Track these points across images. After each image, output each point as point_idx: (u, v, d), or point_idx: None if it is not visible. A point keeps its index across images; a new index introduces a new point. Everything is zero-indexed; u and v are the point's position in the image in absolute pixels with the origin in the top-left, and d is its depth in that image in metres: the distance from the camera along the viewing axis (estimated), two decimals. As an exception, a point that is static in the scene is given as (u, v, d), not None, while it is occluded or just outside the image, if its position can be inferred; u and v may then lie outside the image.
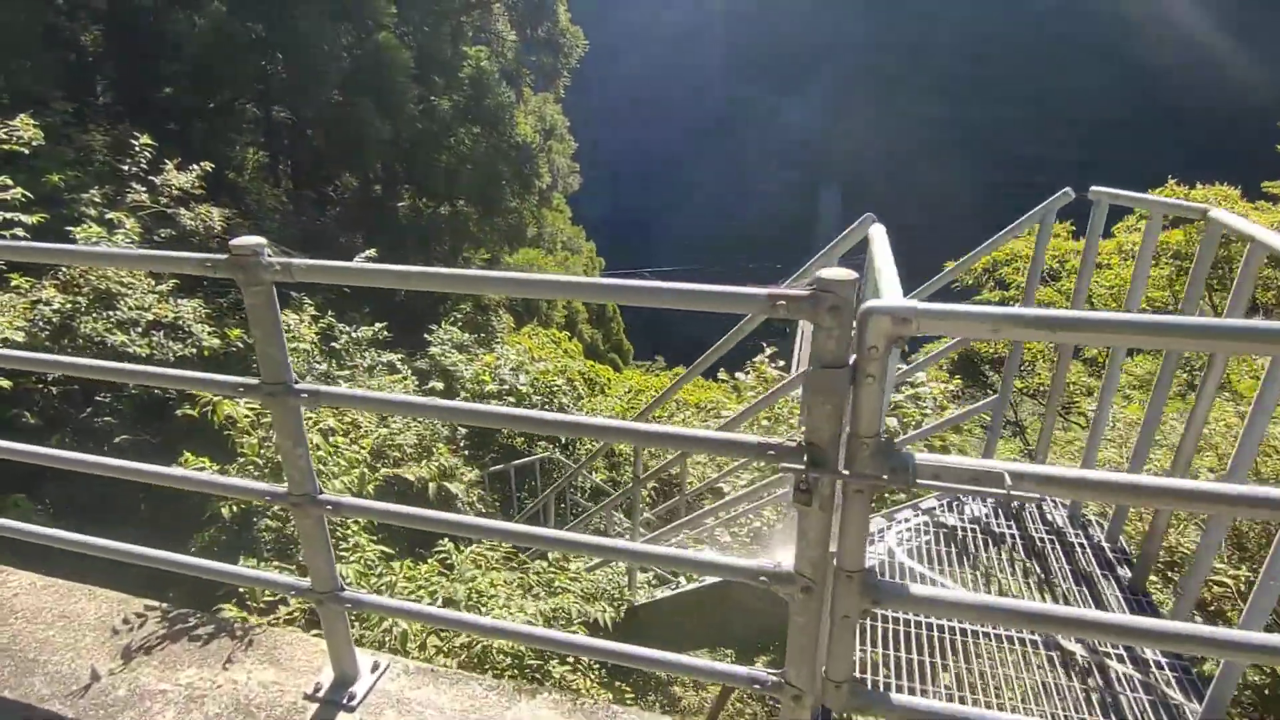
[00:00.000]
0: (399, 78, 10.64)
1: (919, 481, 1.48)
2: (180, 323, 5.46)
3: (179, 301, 5.62)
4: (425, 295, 10.80)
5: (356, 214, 11.93)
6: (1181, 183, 13.00)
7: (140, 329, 5.24)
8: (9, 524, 2.46)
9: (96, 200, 6.01)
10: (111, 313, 5.10)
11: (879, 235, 2.14)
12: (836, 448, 1.53)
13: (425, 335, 9.49)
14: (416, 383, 8.56)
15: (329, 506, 1.97)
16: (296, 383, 1.86)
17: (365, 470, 3.56)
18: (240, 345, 5.73)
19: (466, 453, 8.24)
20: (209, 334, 5.56)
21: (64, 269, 5.10)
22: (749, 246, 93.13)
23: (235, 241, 1.76)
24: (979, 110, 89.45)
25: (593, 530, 6.91)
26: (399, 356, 8.45)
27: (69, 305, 4.95)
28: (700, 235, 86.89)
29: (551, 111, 18.25)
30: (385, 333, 8.10)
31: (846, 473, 1.49)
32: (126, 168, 6.26)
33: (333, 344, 7.17)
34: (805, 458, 1.51)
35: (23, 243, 2.05)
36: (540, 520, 8.54)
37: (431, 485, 6.96)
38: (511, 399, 9.05)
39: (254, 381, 1.88)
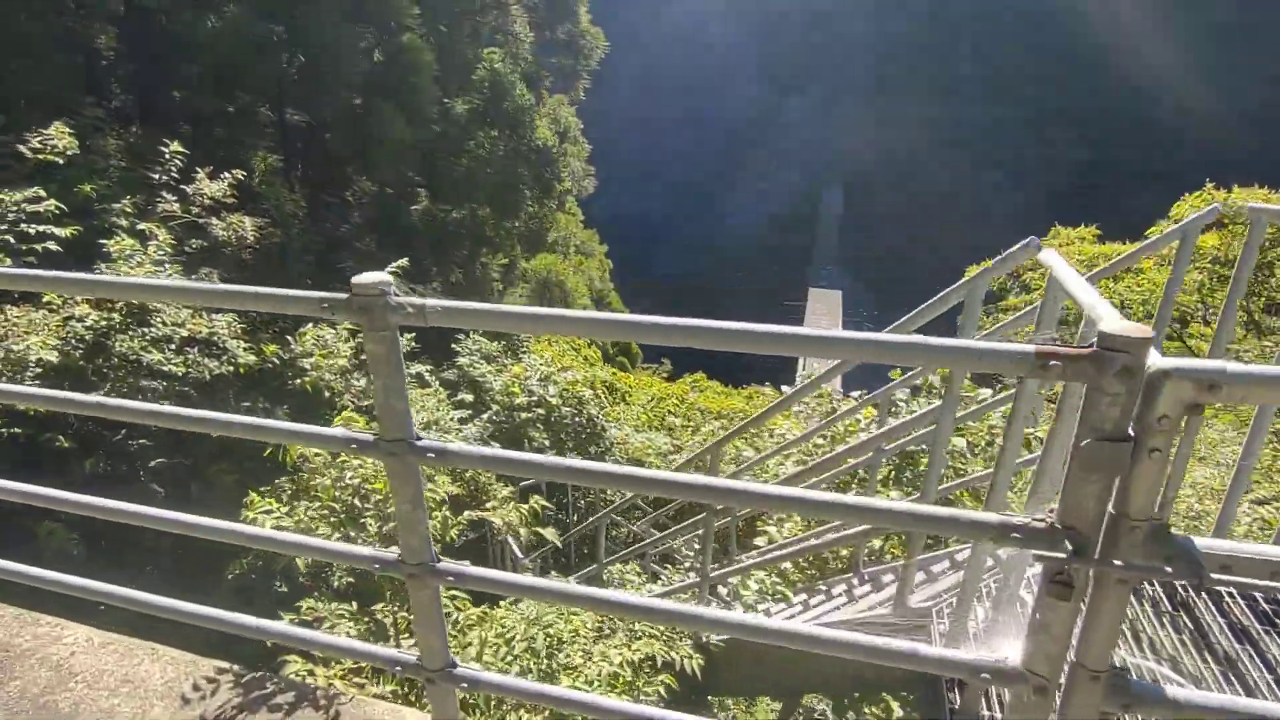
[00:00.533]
0: (422, 81, 10.36)
1: (1211, 576, 1.25)
2: (215, 338, 5.22)
3: (213, 316, 5.38)
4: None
5: (371, 219, 11.64)
6: (1219, 186, 12.73)
7: (174, 345, 5.00)
8: (63, 579, 2.22)
9: (128, 210, 5.75)
10: (146, 329, 4.87)
11: (1059, 263, 1.89)
12: (1098, 531, 1.29)
13: (452, 345, 9.25)
14: (446, 394, 8.32)
15: (450, 577, 1.73)
16: (420, 439, 1.62)
17: (447, 514, 3.31)
18: (276, 362, 5.50)
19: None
20: (245, 349, 5.32)
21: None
22: (750, 247, 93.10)
23: (358, 280, 1.52)
24: (980, 110, 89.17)
25: (638, 559, 6.66)
26: (427, 368, 8.21)
27: (102, 322, 4.72)
28: (699, 235, 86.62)
29: (566, 114, 17.97)
30: (414, 343, 7.86)
31: (1119, 563, 1.26)
32: (157, 176, 6.01)
33: (363, 358, 6.92)
34: (1067, 545, 1.27)
35: (119, 278, 1.80)
36: (584, 548, 8.28)
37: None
38: (541, 411, 8.81)
39: (369, 437, 1.63)
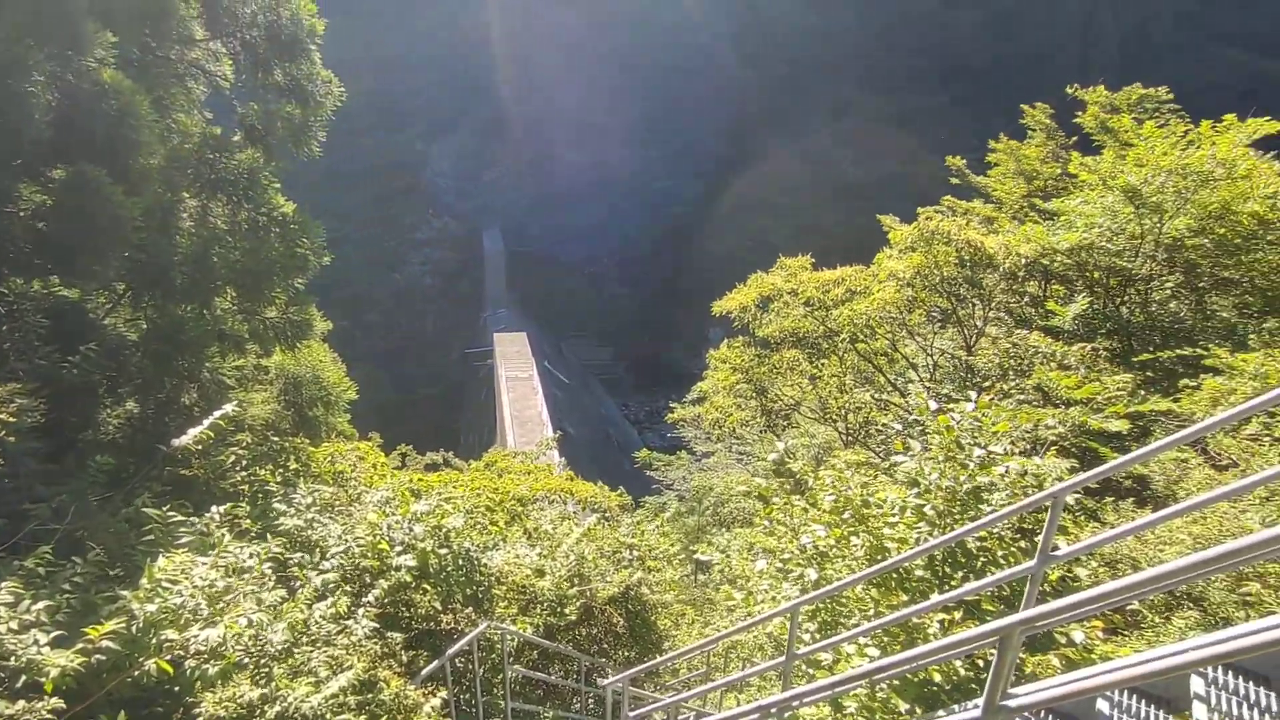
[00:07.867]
0: (141, 135, 6.92)
1: None
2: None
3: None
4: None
5: (45, 334, 7.36)
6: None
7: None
8: None
9: None
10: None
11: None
12: None
13: (276, 504, 6.44)
14: (269, 569, 5.69)
15: None
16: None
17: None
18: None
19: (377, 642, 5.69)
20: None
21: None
22: (419, 299, 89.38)
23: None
24: (618, 151, 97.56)
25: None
26: (252, 550, 5.50)
27: None
28: (361, 287, 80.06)
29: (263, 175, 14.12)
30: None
31: None
32: None
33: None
34: None
35: None
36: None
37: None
38: (413, 562, 6.62)
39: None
